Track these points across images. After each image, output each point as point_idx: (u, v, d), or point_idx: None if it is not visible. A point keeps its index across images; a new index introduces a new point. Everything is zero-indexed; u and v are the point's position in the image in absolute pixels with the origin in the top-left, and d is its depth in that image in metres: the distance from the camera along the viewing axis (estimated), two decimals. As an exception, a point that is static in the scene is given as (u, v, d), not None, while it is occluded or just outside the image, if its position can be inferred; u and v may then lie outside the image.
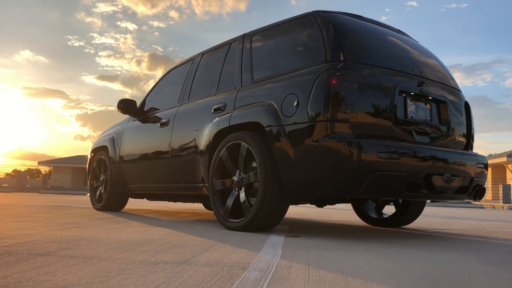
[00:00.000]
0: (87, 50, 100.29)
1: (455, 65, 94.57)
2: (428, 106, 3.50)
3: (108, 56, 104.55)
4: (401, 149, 3.03)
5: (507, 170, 35.61)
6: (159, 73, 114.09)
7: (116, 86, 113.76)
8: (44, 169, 75.08)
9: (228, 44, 4.30)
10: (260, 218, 3.32)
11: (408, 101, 3.35)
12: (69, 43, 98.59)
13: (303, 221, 4.85)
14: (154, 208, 6.38)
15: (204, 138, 3.96)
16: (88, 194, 6.10)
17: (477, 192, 3.52)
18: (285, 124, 3.19)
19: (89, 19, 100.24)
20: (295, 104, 3.15)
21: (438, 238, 3.53)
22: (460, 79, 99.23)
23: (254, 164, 3.48)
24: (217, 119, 3.84)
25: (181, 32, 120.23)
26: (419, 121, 3.41)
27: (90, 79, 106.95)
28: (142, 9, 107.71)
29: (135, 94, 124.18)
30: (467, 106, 3.89)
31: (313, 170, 3.04)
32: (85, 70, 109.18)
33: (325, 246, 2.69)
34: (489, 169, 37.97)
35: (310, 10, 3.60)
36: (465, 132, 3.81)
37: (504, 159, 34.60)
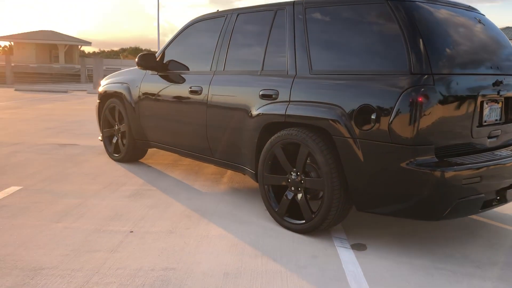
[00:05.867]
0: None
1: None
2: (499, 104, 3.28)
3: None
4: (482, 172, 2.90)
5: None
6: None
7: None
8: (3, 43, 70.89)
9: (273, 10, 3.78)
10: (324, 225, 3.25)
11: (484, 105, 3.13)
12: None
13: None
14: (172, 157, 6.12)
15: (250, 124, 3.67)
16: (100, 139, 5.80)
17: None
18: (359, 138, 2.96)
19: None
20: (372, 117, 2.89)
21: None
22: None
23: (310, 162, 3.31)
24: (267, 106, 3.53)
25: None
26: (491, 123, 3.22)
27: None
28: None
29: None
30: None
31: (392, 194, 2.92)
32: None
33: (406, 268, 2.68)
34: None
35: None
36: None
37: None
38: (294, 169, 3.39)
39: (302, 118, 3.28)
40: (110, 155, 5.62)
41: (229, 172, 5.12)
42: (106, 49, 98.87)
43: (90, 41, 58.01)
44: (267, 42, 3.73)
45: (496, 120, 3.27)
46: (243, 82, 3.85)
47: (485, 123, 3.15)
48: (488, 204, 3.06)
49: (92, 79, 18.32)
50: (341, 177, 3.11)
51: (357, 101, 2.98)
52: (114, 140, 5.56)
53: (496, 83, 3.18)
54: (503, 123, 3.32)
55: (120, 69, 32.60)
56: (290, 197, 3.43)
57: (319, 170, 3.19)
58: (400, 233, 3.47)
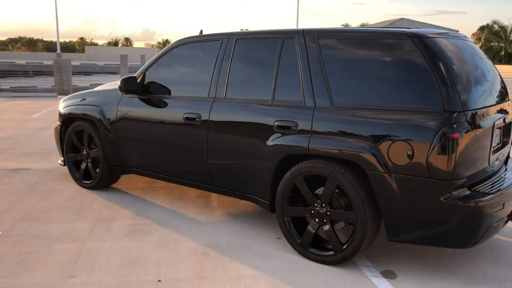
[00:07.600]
0: None
1: None
2: (500, 130, 3.56)
3: None
4: (504, 198, 3.15)
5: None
6: None
7: None
8: None
9: (279, 38, 3.72)
10: (355, 255, 3.32)
11: (494, 132, 3.37)
12: None
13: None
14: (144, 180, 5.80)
15: (263, 155, 3.62)
16: (61, 163, 5.35)
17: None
18: (394, 172, 3.05)
19: None
20: (408, 153, 3.00)
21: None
22: None
23: (335, 194, 3.36)
24: (285, 138, 3.50)
25: None
26: (496, 148, 3.48)
27: None
28: None
29: None
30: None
31: (427, 225, 3.07)
32: None
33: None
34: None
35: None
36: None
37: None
38: (318, 201, 3.41)
39: (329, 151, 3.29)
40: (78, 181, 5.20)
41: (213, 194, 4.99)
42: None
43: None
44: (276, 72, 3.67)
45: (498, 144, 3.55)
46: (252, 112, 3.75)
47: (494, 149, 3.40)
48: (505, 224, 3.33)
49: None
50: (373, 209, 3.20)
51: (391, 136, 3.07)
52: (83, 166, 5.15)
53: (501, 111, 3.45)
54: (501, 147, 3.60)
55: (14, 62, 29.35)
56: (315, 228, 3.44)
57: (352, 202, 3.22)
58: (414, 252, 3.65)
